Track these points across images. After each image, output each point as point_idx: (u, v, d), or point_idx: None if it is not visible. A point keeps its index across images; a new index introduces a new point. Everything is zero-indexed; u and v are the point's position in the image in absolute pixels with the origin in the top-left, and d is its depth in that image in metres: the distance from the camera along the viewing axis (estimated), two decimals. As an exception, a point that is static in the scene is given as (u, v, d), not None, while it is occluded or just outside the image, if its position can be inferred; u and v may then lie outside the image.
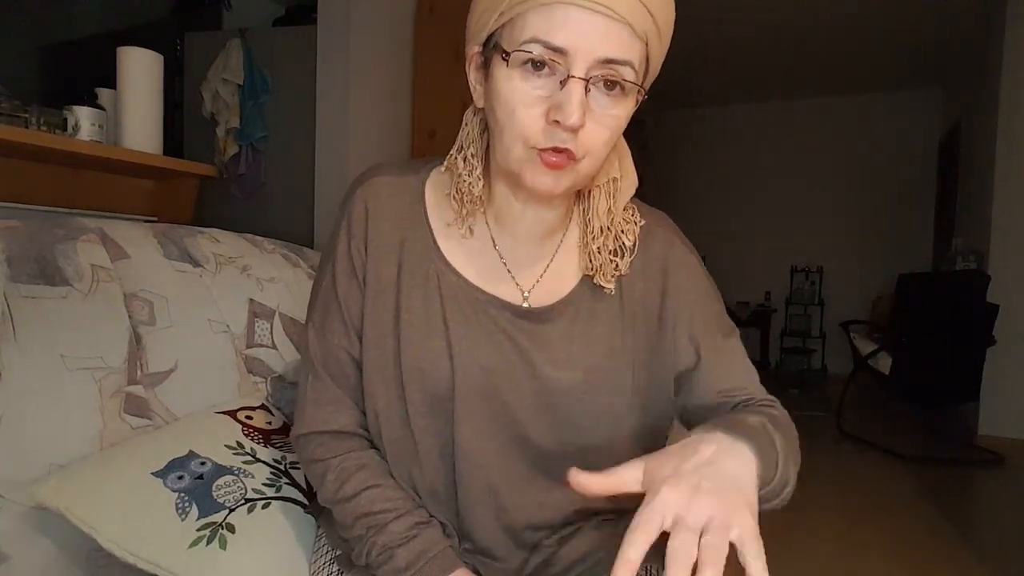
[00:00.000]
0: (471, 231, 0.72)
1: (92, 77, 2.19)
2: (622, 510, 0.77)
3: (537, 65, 0.58)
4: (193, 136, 3.25)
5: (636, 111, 0.64)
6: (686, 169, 6.71)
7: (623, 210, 0.73)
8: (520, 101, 0.59)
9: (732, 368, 0.74)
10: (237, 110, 3.00)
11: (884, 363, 3.59)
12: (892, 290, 3.71)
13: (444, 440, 0.70)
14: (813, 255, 6.28)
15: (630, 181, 0.73)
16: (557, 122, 0.58)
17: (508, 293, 0.71)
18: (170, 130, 2.47)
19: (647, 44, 0.60)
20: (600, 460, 0.71)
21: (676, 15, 0.63)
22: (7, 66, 3.89)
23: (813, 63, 5.33)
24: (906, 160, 5.90)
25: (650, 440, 0.75)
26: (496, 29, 0.61)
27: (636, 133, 5.63)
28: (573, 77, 0.57)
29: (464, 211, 0.70)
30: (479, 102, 0.67)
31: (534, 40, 0.57)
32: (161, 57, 2.02)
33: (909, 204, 5.88)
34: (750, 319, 6.13)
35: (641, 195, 0.78)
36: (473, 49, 0.65)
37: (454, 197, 0.71)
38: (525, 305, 0.71)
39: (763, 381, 0.75)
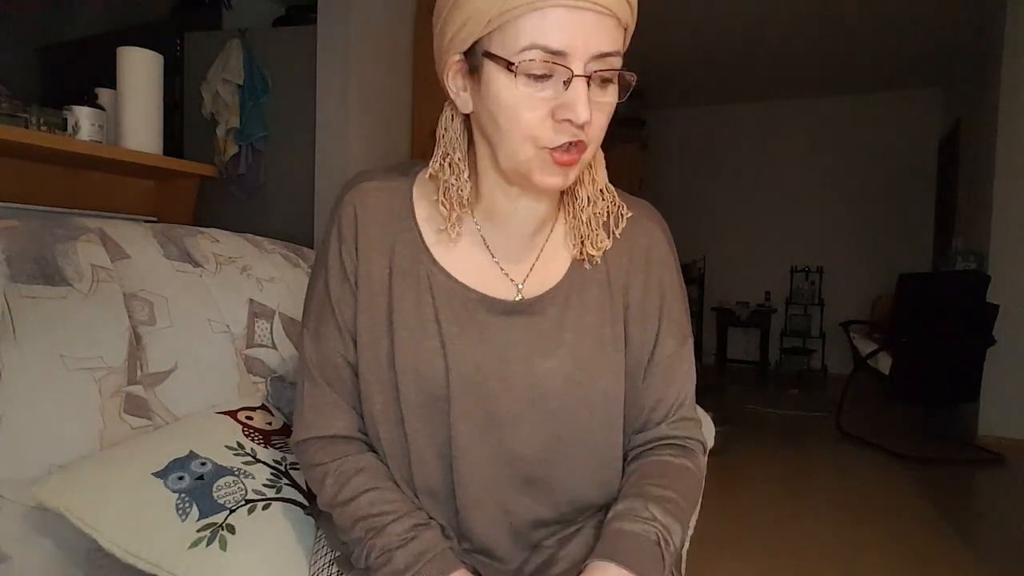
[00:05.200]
0: (460, 233, 0.72)
1: (92, 77, 2.19)
2: None
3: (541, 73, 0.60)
4: (193, 136, 3.25)
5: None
6: (686, 169, 6.71)
7: (603, 189, 0.75)
8: (526, 106, 0.61)
9: (676, 375, 0.78)
10: (237, 110, 3.00)
11: (884, 363, 3.59)
12: (892, 290, 3.70)
13: (440, 441, 0.70)
14: (813, 255, 6.27)
15: (600, 152, 0.75)
16: (568, 121, 0.60)
17: (500, 289, 0.73)
18: (170, 130, 2.46)
19: (626, 29, 0.63)
20: (592, 456, 0.73)
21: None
22: (7, 66, 3.89)
23: (813, 63, 5.33)
24: (906, 160, 5.90)
25: (624, 436, 0.78)
26: (482, 37, 0.62)
27: (636, 133, 5.62)
28: (577, 76, 0.59)
29: (453, 215, 0.71)
30: (465, 108, 0.68)
31: (533, 46, 0.59)
32: (161, 57, 2.02)
33: (909, 204, 5.88)
34: (750, 319, 6.13)
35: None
36: (453, 58, 0.66)
37: (442, 203, 0.71)
38: (518, 298, 0.73)
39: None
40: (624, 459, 0.79)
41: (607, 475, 0.76)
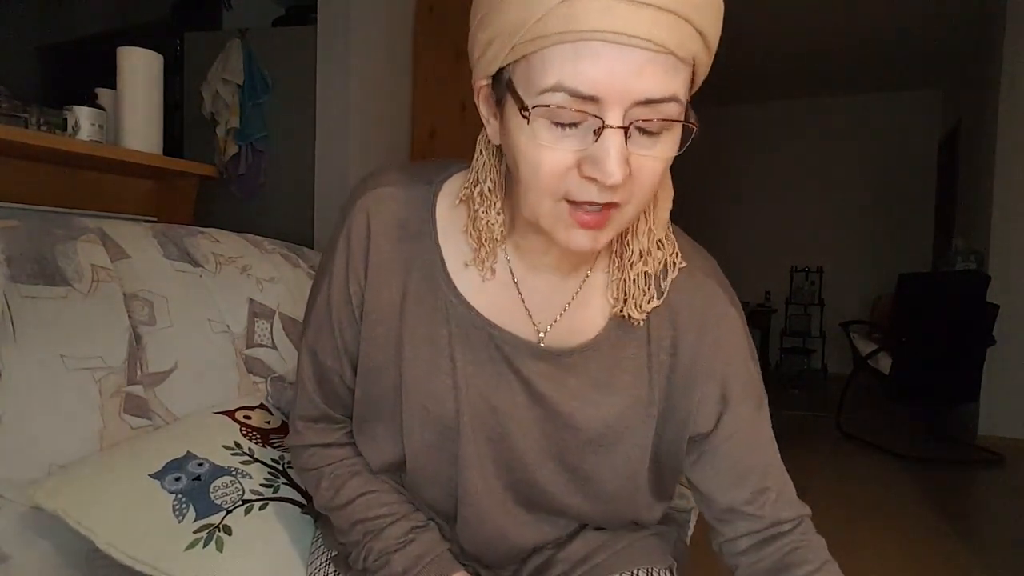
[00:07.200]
0: (492, 271, 0.64)
1: (92, 77, 2.20)
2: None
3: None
4: (193, 136, 3.25)
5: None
6: (686, 169, 6.68)
7: (662, 241, 0.64)
8: (546, 158, 0.50)
9: (755, 443, 0.67)
10: (237, 110, 3.00)
11: (884, 363, 3.59)
12: (892, 290, 3.70)
13: (447, 478, 0.67)
14: (813, 255, 6.28)
15: (667, 192, 0.63)
16: (593, 179, 0.49)
17: (522, 330, 0.64)
18: (170, 130, 2.46)
19: (694, 65, 0.50)
20: (611, 500, 0.69)
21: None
22: (7, 66, 3.89)
23: (813, 64, 5.33)
24: (906, 160, 5.90)
25: (660, 491, 0.72)
26: (508, 64, 0.51)
27: (636, 133, 5.61)
28: (609, 127, 0.47)
29: (483, 251, 0.62)
30: (494, 138, 0.57)
31: (558, 87, 0.47)
32: (161, 57, 2.02)
33: (909, 204, 5.89)
34: (750, 319, 6.10)
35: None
36: (480, 81, 0.55)
37: (470, 234, 0.62)
38: (541, 345, 0.64)
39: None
40: (730, 548, 0.69)
41: (617, 508, 0.72)
